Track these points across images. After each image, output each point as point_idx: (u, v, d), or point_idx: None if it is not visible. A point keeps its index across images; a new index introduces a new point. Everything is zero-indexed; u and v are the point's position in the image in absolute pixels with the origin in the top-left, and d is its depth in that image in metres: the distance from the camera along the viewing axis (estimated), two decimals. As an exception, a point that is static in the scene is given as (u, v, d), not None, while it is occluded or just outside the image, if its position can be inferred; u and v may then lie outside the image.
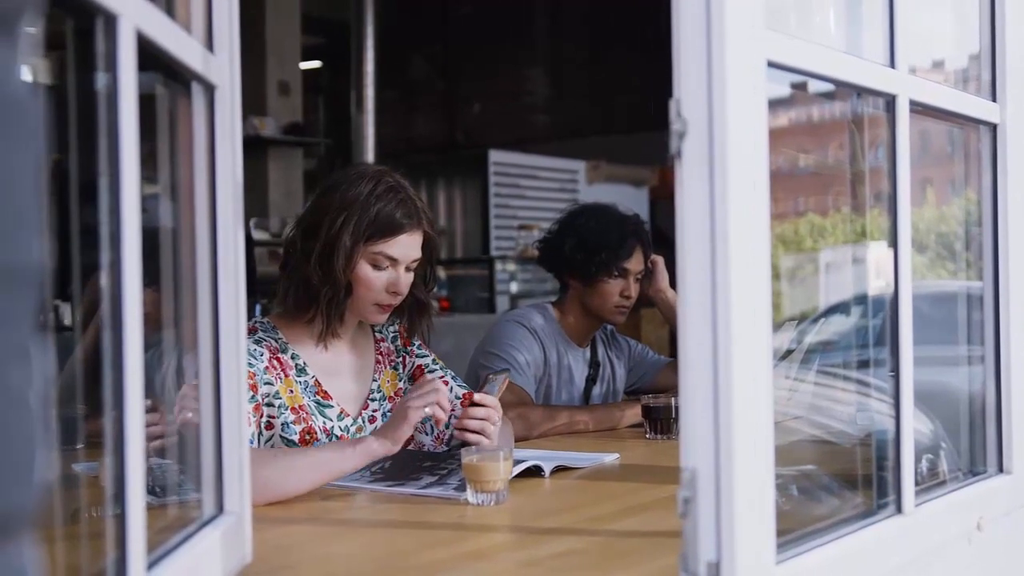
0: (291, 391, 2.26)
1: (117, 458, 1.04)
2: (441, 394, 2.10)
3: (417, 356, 2.51)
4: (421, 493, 2.01)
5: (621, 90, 9.74)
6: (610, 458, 2.45)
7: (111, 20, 1.03)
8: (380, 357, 2.46)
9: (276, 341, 2.30)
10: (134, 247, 1.05)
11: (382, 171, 2.33)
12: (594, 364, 3.26)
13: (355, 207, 2.24)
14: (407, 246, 2.30)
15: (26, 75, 0.59)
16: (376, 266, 2.27)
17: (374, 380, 2.43)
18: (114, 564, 1.03)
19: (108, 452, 1.05)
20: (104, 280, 1.05)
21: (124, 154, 1.04)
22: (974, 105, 1.85)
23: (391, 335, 2.51)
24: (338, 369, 2.37)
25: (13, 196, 0.56)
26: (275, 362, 2.25)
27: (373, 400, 2.41)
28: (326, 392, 2.32)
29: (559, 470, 2.28)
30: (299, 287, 2.29)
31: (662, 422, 2.75)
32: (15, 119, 0.57)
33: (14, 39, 0.57)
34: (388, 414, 2.39)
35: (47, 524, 0.77)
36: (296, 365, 2.30)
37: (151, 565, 1.12)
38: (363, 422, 2.37)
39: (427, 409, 2.07)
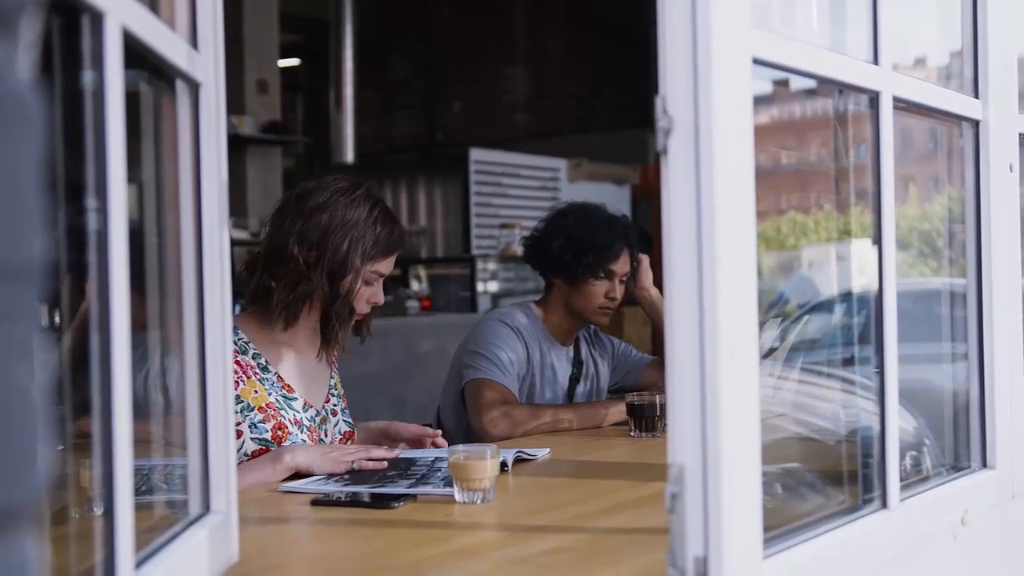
0: (255, 391, 2.34)
1: (105, 458, 1.03)
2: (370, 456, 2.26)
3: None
4: (413, 491, 2.01)
5: (602, 88, 9.77)
6: (542, 453, 2.49)
7: (97, 17, 1.02)
8: (333, 359, 2.59)
9: (235, 343, 2.34)
10: (121, 246, 1.04)
11: (369, 189, 2.45)
12: (577, 363, 3.26)
13: (358, 230, 2.36)
14: (393, 263, 2.47)
15: (25, 73, 0.59)
16: (367, 283, 2.41)
17: (332, 378, 2.57)
18: (102, 563, 1.03)
19: (95, 453, 1.04)
20: (90, 280, 1.04)
21: (111, 152, 1.03)
22: (957, 101, 1.86)
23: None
24: (300, 367, 2.47)
25: (15, 193, 0.56)
26: (235, 365, 2.29)
27: (333, 395, 2.55)
28: (289, 386, 2.41)
29: (519, 462, 2.35)
30: (300, 300, 2.37)
31: (647, 420, 2.76)
32: (16, 116, 0.57)
33: (14, 37, 0.57)
34: (345, 409, 2.57)
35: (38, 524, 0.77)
36: (258, 364, 2.38)
37: (139, 564, 1.12)
38: (327, 413, 2.50)
39: (354, 465, 2.22)
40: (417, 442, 2.54)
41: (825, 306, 2.57)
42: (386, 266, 2.43)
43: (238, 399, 2.28)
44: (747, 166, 1.26)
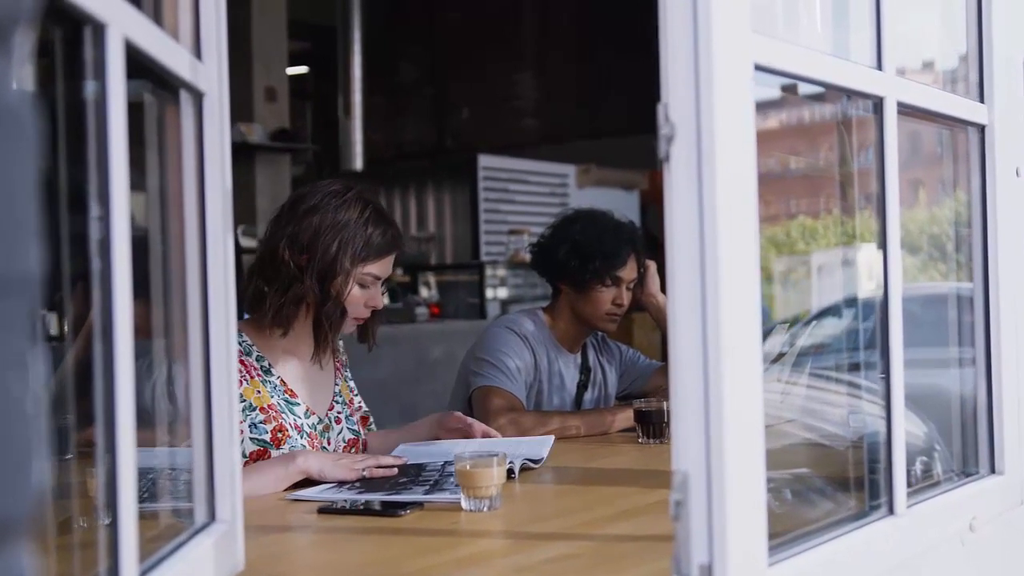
0: (258, 392, 2.35)
1: (109, 467, 1.03)
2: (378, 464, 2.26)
3: (351, 380, 2.66)
4: (428, 498, 2.01)
5: (610, 94, 9.75)
6: (547, 444, 2.52)
7: (99, 28, 1.02)
8: (338, 365, 2.59)
9: (240, 345, 2.35)
10: (124, 256, 1.05)
11: (361, 192, 2.44)
12: (585, 370, 3.25)
13: (348, 231, 2.36)
14: (390, 265, 2.46)
15: (21, 85, 0.59)
16: (362, 285, 2.40)
17: (336, 384, 2.56)
18: (107, 573, 1.03)
19: (98, 463, 1.04)
20: (93, 289, 1.05)
21: (113, 162, 1.04)
22: (962, 106, 1.86)
23: (341, 347, 2.65)
24: (304, 374, 2.47)
25: (10, 205, 0.57)
26: (239, 365, 2.30)
27: (337, 402, 2.54)
28: (292, 391, 2.42)
29: (525, 470, 2.34)
30: (293, 304, 2.37)
31: (654, 426, 2.75)
32: (11, 129, 0.57)
33: (8, 49, 0.58)
34: (350, 417, 2.55)
35: (40, 533, 0.77)
36: (262, 367, 2.39)
37: (143, 573, 1.12)
38: (330, 421, 2.49)
39: (365, 472, 2.21)
40: (463, 433, 2.55)
41: (834, 311, 2.57)
42: (380, 268, 2.41)
43: (240, 398, 2.28)
44: (749, 172, 1.26)
